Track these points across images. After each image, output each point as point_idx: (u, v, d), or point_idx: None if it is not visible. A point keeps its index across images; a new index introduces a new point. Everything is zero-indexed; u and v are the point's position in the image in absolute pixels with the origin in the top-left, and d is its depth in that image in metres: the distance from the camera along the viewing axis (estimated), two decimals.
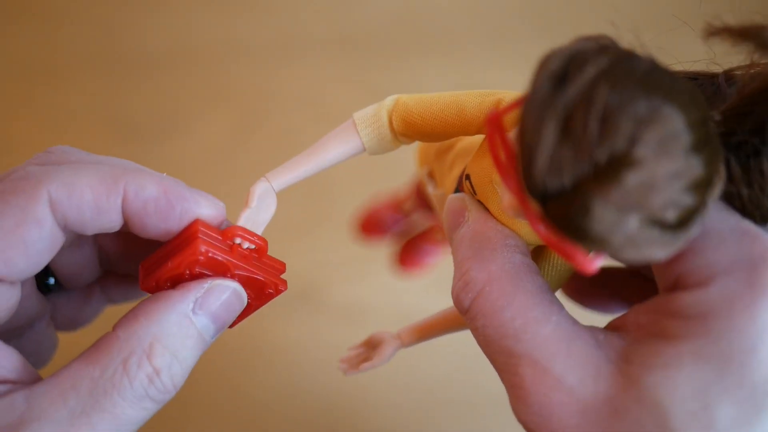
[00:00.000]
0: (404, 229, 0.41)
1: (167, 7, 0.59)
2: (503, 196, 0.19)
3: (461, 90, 0.24)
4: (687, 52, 0.60)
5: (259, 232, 0.24)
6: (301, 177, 0.25)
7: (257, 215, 0.25)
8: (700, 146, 0.16)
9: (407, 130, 0.23)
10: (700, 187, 0.16)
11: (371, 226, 0.41)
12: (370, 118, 0.23)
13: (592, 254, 0.17)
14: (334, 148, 0.24)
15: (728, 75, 0.21)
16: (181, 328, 0.22)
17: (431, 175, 0.29)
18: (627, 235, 0.15)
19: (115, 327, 0.23)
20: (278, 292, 0.25)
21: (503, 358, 0.20)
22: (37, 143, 0.55)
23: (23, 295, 0.24)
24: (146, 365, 0.22)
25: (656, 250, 0.16)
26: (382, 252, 0.45)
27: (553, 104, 0.16)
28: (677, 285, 0.20)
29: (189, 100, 0.57)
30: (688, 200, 0.16)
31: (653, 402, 0.18)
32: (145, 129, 0.56)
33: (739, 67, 0.21)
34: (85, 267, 0.27)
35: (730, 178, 0.19)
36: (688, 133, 0.16)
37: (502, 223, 0.22)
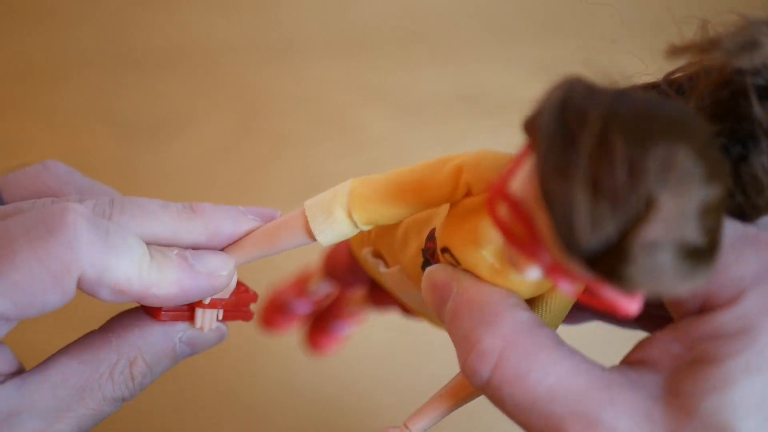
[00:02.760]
0: (313, 309, 0.38)
1: (167, 7, 0.59)
2: (516, 267, 0.19)
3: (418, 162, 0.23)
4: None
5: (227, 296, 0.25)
6: (256, 258, 0.24)
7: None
8: (713, 169, 0.16)
9: (371, 218, 0.22)
10: (720, 206, 0.17)
11: (275, 315, 0.38)
12: (322, 213, 0.22)
13: (629, 297, 0.17)
14: (288, 241, 0.23)
15: (670, 81, 0.21)
16: (164, 349, 0.25)
17: (376, 255, 0.27)
18: (670, 269, 0.16)
19: (107, 330, 0.25)
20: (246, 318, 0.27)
21: (542, 422, 0.19)
22: (37, 143, 0.55)
23: None
24: (127, 372, 0.24)
25: (698, 277, 0.16)
26: None
27: (572, 166, 0.16)
28: (705, 306, 0.20)
29: (189, 100, 0.57)
30: (714, 222, 0.16)
31: (719, 427, 0.18)
32: (145, 129, 0.56)
33: (677, 70, 0.21)
34: None
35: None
36: (702, 162, 0.16)
37: (496, 284, 0.21)
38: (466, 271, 0.21)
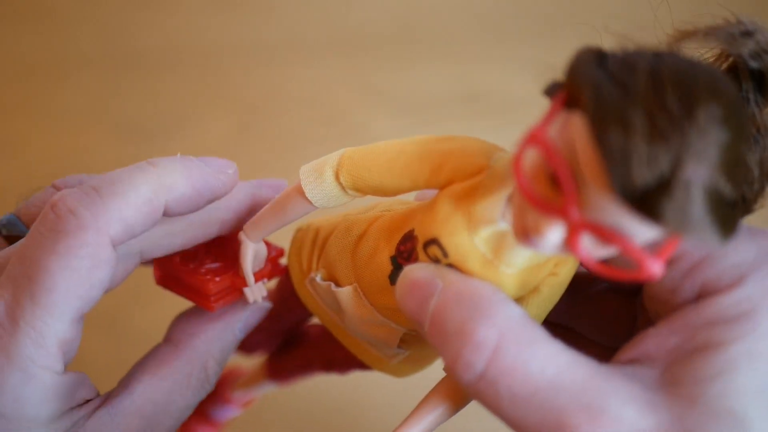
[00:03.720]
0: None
1: (167, 7, 0.59)
2: (525, 238, 0.18)
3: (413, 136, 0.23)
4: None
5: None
6: (274, 229, 0.25)
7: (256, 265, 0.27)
8: (745, 127, 0.17)
9: (356, 184, 0.23)
10: (746, 165, 0.18)
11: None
12: (313, 174, 0.23)
13: (654, 256, 0.17)
14: (292, 209, 0.24)
15: None
16: (228, 344, 0.27)
17: (329, 277, 0.26)
18: (703, 212, 0.16)
19: (173, 342, 0.27)
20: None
21: (541, 414, 0.19)
22: (37, 143, 0.55)
23: None
24: (203, 376, 0.27)
25: (723, 230, 0.17)
26: None
27: (629, 109, 0.16)
28: (703, 294, 0.20)
29: (189, 100, 0.57)
30: (742, 178, 0.17)
31: (726, 411, 0.18)
32: (145, 129, 0.56)
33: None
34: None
35: None
36: (737, 117, 0.17)
37: (484, 279, 0.21)
38: (450, 266, 0.21)
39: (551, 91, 0.19)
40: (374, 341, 0.26)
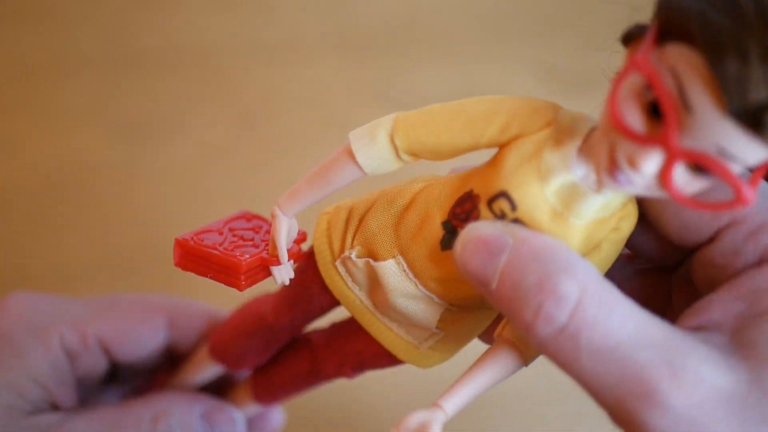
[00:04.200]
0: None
1: (167, 7, 0.59)
2: (646, 165, 0.19)
3: (460, 98, 0.23)
4: None
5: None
6: (315, 200, 0.24)
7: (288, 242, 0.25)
8: None
9: (412, 145, 0.22)
10: None
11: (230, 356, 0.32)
12: (366, 137, 0.23)
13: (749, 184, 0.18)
14: (337, 177, 0.23)
15: None
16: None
17: (367, 253, 0.25)
18: None
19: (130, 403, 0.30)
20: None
21: (621, 369, 0.19)
22: (36, 143, 0.55)
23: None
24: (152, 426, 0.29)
25: None
26: None
27: (742, 29, 0.17)
28: (766, 257, 0.20)
29: (189, 101, 0.57)
30: None
31: None
32: (145, 129, 0.56)
33: None
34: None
35: None
36: None
37: (553, 233, 0.21)
38: (516, 221, 0.21)
39: (633, 34, 0.20)
40: (413, 319, 0.25)
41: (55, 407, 0.29)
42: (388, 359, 0.28)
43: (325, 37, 0.59)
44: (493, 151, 0.22)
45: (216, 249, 0.25)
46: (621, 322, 0.19)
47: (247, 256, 0.25)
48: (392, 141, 0.22)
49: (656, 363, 0.19)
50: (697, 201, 0.19)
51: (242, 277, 0.25)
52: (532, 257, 0.20)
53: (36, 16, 0.59)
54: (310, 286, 0.27)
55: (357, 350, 0.28)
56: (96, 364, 0.30)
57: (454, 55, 0.60)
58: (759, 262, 0.20)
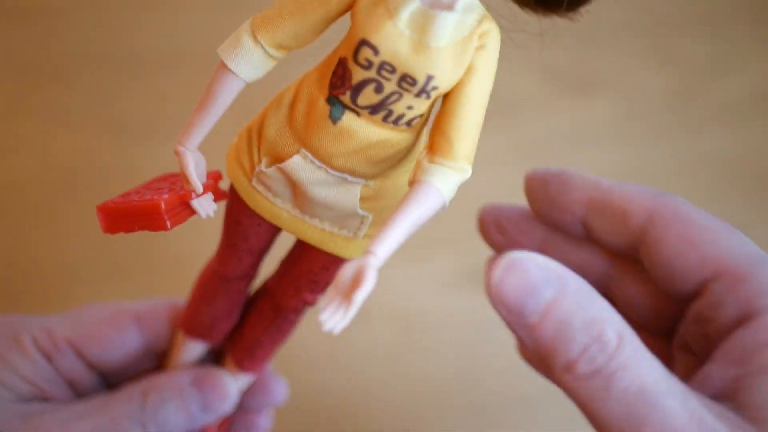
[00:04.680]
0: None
1: (167, 7, 0.59)
2: None
3: None
4: (687, 53, 0.60)
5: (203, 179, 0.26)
6: (209, 122, 0.26)
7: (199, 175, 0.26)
8: None
9: (274, 35, 0.24)
10: None
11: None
12: (231, 45, 0.24)
13: None
14: (220, 91, 0.25)
15: None
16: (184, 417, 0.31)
17: (273, 161, 0.26)
18: None
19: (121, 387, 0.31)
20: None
21: (645, 411, 0.20)
22: (37, 143, 0.55)
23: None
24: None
25: None
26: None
27: None
28: (750, 316, 0.21)
29: (189, 101, 0.57)
30: None
31: None
32: (145, 129, 0.56)
33: None
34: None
35: None
36: None
37: (418, 59, 0.22)
38: (385, 63, 0.22)
39: None
40: (337, 208, 0.25)
41: (48, 401, 0.30)
42: (333, 263, 0.28)
43: (325, 36, 0.59)
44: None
45: (132, 198, 0.26)
46: (649, 369, 0.20)
47: (165, 195, 0.26)
48: (256, 40, 0.24)
49: (679, 410, 0.20)
50: None
51: (165, 216, 0.25)
52: (576, 298, 0.21)
53: (36, 16, 0.59)
54: (240, 220, 0.28)
55: (306, 270, 0.28)
56: (73, 367, 0.31)
57: None
58: (743, 318, 0.21)
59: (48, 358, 0.30)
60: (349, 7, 0.23)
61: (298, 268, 0.29)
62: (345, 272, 0.20)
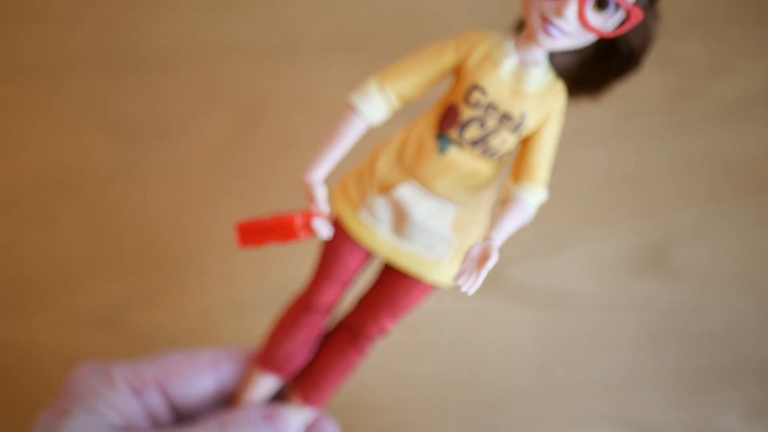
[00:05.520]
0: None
1: (167, 7, 0.59)
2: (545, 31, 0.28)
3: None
4: (687, 53, 0.60)
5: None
6: (334, 162, 0.31)
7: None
8: None
9: (396, 85, 0.30)
10: None
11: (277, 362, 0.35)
12: (359, 93, 0.31)
13: None
14: (348, 131, 0.30)
15: None
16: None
17: (383, 190, 0.31)
18: None
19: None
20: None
21: None
22: (34, 143, 0.55)
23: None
24: None
25: None
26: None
27: None
28: None
29: (188, 101, 0.57)
30: None
31: None
32: (145, 129, 0.56)
33: None
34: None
35: None
36: None
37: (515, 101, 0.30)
38: (491, 105, 0.29)
39: None
40: (432, 231, 0.31)
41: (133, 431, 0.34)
42: (417, 289, 0.33)
43: (325, 37, 0.59)
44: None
45: (267, 217, 0.31)
46: None
47: (297, 214, 0.31)
48: (381, 87, 0.30)
49: None
50: (605, 29, 0.27)
51: (298, 227, 0.31)
52: None
53: (36, 16, 0.59)
54: (340, 250, 0.33)
55: (387, 295, 0.33)
56: (157, 402, 0.35)
57: None
58: None
59: (136, 393, 0.34)
60: (459, 65, 0.30)
61: (379, 294, 0.33)
62: (473, 250, 0.27)
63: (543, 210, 0.55)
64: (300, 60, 0.59)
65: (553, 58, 0.30)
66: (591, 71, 0.31)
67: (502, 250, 0.52)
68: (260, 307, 0.50)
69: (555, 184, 0.57)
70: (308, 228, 0.31)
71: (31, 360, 0.50)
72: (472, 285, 0.26)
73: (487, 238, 0.27)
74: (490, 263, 0.26)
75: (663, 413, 0.50)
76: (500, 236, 0.28)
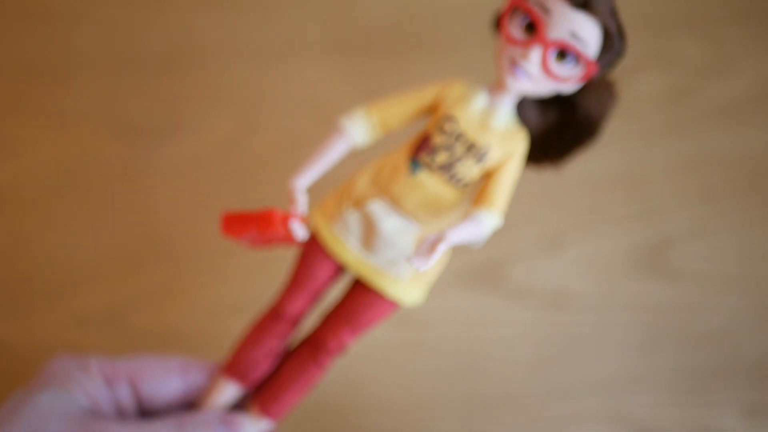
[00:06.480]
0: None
1: (167, 7, 0.59)
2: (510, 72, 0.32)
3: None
4: (686, 53, 0.61)
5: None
6: (317, 176, 0.34)
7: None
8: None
9: (382, 114, 0.34)
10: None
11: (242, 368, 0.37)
12: (349, 119, 0.34)
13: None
14: (332, 150, 0.34)
15: None
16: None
17: (357, 205, 0.34)
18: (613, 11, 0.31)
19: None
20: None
21: None
22: (37, 143, 0.55)
23: None
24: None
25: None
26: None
27: None
28: None
29: (189, 101, 0.57)
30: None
31: None
32: (145, 129, 0.56)
33: None
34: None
35: None
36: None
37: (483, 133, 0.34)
38: (461, 135, 0.33)
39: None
40: (395, 250, 0.33)
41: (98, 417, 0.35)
42: (379, 305, 0.35)
43: (325, 37, 0.59)
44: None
45: (253, 209, 0.34)
46: None
47: (278, 210, 0.33)
48: (367, 114, 0.34)
49: None
50: (564, 77, 0.31)
51: (276, 221, 0.33)
52: None
53: (36, 16, 0.59)
54: (312, 261, 0.35)
55: (349, 308, 0.35)
56: (125, 395, 0.36)
57: (454, 56, 0.60)
58: None
59: (108, 383, 0.36)
60: (437, 103, 0.34)
61: (342, 308, 0.35)
62: (428, 235, 0.30)
63: (542, 210, 0.55)
64: (301, 62, 0.59)
65: (521, 111, 0.33)
66: (553, 137, 0.34)
67: (502, 249, 0.53)
68: (260, 308, 0.50)
69: (554, 185, 0.57)
70: (286, 225, 0.33)
71: (31, 360, 0.50)
72: (423, 264, 0.29)
73: (441, 232, 0.30)
74: (442, 247, 0.29)
75: (661, 413, 0.50)
76: (452, 236, 0.30)
